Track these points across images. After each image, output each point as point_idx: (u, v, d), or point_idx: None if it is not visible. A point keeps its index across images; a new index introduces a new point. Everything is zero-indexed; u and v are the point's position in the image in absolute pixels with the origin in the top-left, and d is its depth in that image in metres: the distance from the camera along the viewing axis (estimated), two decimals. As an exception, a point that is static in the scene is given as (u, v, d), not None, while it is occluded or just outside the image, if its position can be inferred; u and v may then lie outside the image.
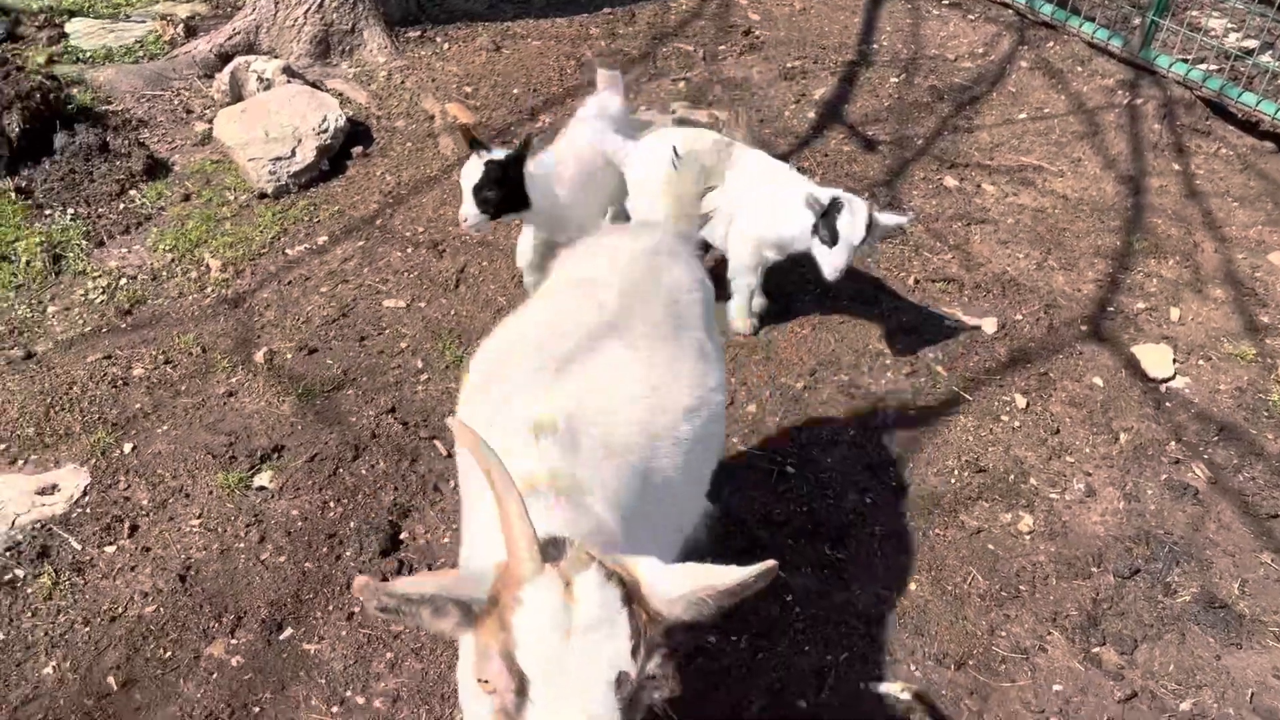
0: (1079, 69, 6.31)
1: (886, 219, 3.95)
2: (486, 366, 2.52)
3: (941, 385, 4.20)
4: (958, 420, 4.06)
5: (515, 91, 6.06)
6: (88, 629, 3.18)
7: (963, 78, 6.22)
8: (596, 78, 4.59)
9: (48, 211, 4.92)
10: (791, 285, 4.64)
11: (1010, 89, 6.15)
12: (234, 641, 3.18)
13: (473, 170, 3.90)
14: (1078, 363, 4.33)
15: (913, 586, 3.45)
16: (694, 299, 2.74)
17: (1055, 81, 6.22)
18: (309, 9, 6.13)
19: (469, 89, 6.08)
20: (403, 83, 6.09)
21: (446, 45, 6.48)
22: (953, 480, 3.82)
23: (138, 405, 3.95)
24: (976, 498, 3.75)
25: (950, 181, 5.36)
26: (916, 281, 4.70)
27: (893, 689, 3.13)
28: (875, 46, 6.53)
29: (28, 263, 4.61)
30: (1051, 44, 6.53)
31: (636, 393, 2.32)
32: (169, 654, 3.13)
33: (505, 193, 3.90)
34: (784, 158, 5.48)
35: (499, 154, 3.91)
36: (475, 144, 3.93)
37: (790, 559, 3.50)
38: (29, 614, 3.21)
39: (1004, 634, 3.31)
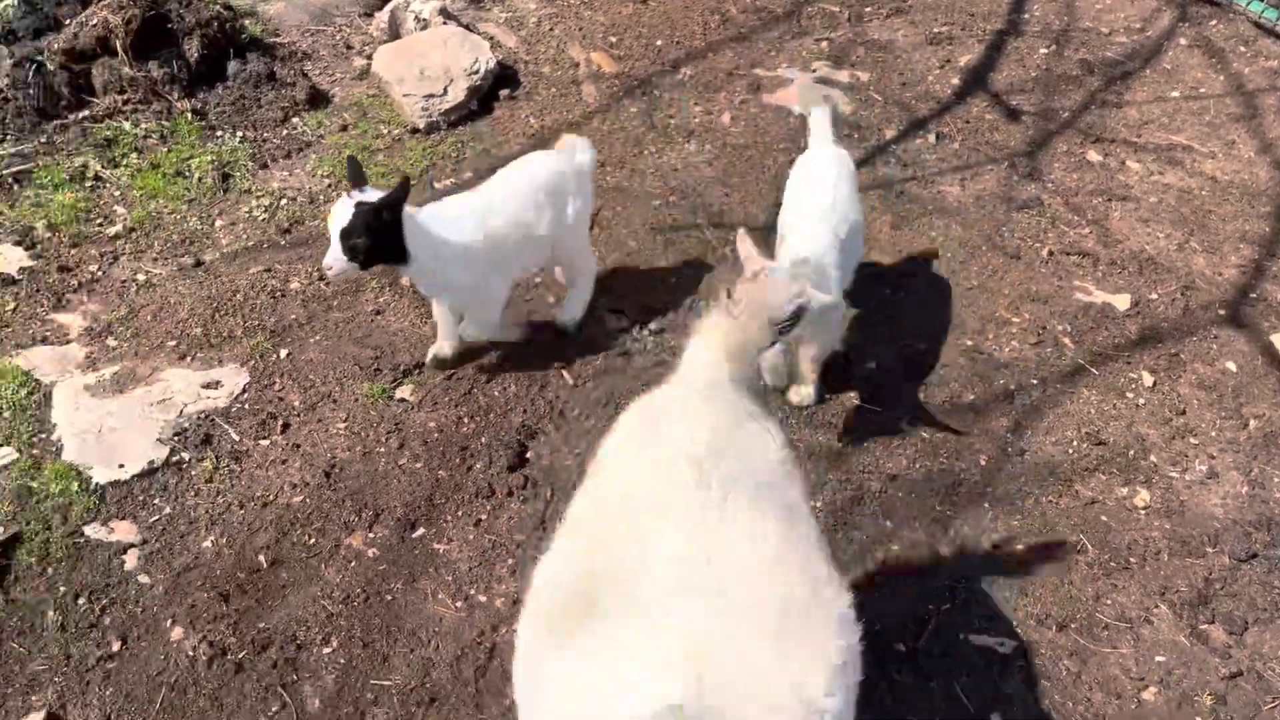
0: (1242, 49, 6.07)
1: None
2: (560, 601, 2.00)
3: (1067, 358, 4.18)
4: (1081, 393, 4.04)
5: (659, 43, 6.17)
6: (242, 511, 3.48)
7: (1116, 52, 6.05)
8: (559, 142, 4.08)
9: (219, 133, 5.28)
10: (920, 249, 4.67)
11: (1165, 66, 5.96)
12: (371, 535, 3.44)
13: (341, 212, 3.36)
14: (1211, 346, 4.24)
15: (1019, 548, 3.48)
16: (786, 465, 2.33)
17: (1215, 61, 5.99)
18: (467, -46, 6.33)
19: (614, 39, 6.21)
20: (551, 29, 6.26)
21: (596, -5, 6.61)
22: (1070, 450, 3.82)
23: (293, 316, 4.25)
24: (1093, 469, 3.75)
25: (1094, 156, 5.26)
26: (1051, 253, 4.66)
27: (991, 642, 3.19)
28: (1026, 16, 6.39)
29: (199, 179, 4.97)
30: (1215, 22, 6.28)
31: (769, 671, 1.78)
32: (313, 540, 3.41)
33: (377, 241, 3.38)
34: (923, 122, 5.47)
35: (373, 195, 3.39)
36: (355, 177, 3.45)
37: (899, 511, 3.57)
38: (192, 493, 3.53)
39: (1109, 602, 3.32)
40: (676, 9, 6.49)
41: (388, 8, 6.06)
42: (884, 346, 4.20)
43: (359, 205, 3.34)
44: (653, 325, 4.27)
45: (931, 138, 5.34)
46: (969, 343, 4.24)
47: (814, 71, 5.81)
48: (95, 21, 5.23)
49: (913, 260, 4.61)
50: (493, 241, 3.69)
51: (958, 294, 4.45)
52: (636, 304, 4.37)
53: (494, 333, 4.02)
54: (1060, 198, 4.98)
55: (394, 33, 6.02)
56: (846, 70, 5.85)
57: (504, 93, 5.71)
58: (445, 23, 5.94)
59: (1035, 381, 4.08)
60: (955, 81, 5.79)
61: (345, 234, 3.34)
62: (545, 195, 3.82)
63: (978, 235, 4.76)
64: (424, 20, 5.93)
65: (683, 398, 2.47)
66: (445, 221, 3.61)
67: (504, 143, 5.35)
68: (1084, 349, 4.22)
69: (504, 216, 3.74)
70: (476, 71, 5.56)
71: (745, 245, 2.97)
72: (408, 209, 3.45)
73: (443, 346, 4.00)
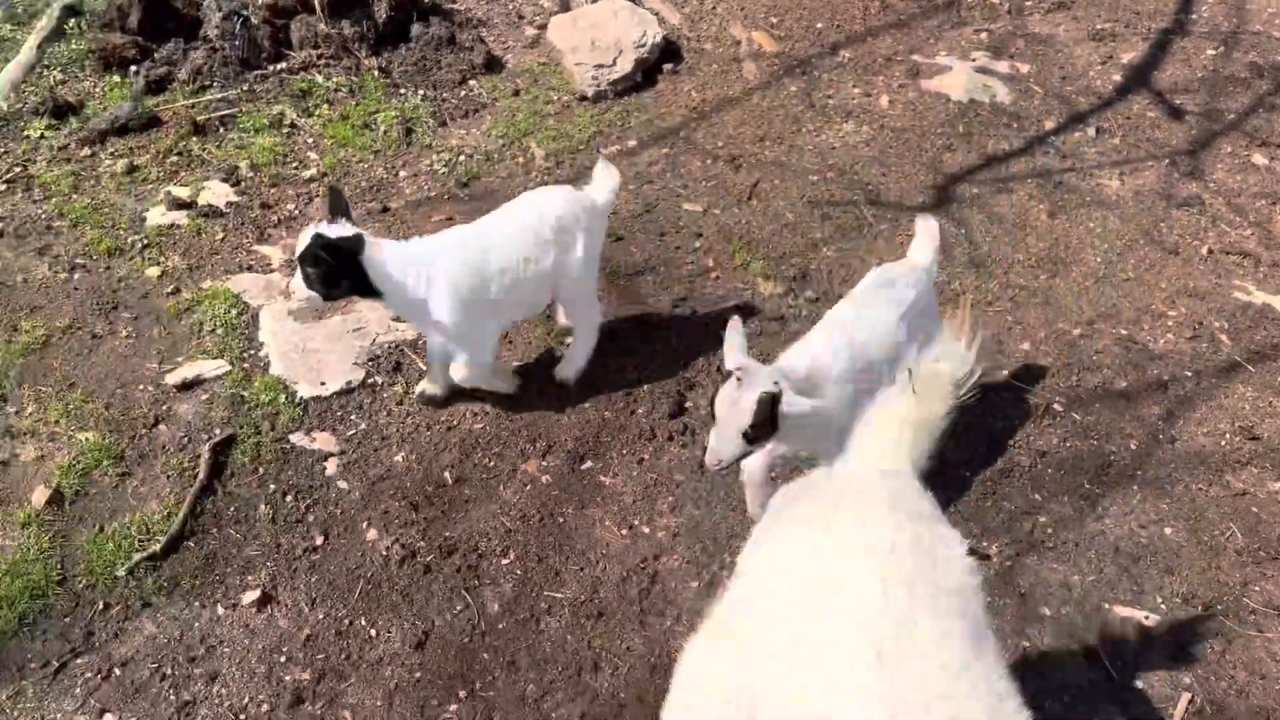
0: None
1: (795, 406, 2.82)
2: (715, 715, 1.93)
3: (1223, 354, 4.21)
4: (1236, 389, 4.07)
5: (819, 26, 6.30)
6: (429, 432, 3.78)
7: (1287, 57, 5.96)
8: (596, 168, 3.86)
9: (402, 90, 5.62)
10: (1077, 239, 4.72)
11: (1340, 73, 5.84)
12: (544, 463, 3.70)
13: (301, 242, 3.30)
14: (1375, 353, 4.21)
15: (1168, 531, 3.56)
16: (968, 573, 2.07)
17: (1393, 70, 5.85)
18: (638, -68, 6.56)
19: (775, 20, 6.37)
20: (714, 9, 6.45)
21: (756, -22, 6.77)
22: (1223, 443, 3.86)
23: (472, 262, 4.54)
24: (1246, 463, 3.79)
25: (1259, 159, 5.22)
26: (1210, 252, 4.67)
27: (1136, 614, 3.28)
28: (1194, 17, 6.32)
29: (385, 132, 5.32)
30: (1395, 31, 6.12)
31: None
32: (492, 463, 3.69)
33: (334, 275, 3.28)
34: (1083, 116, 5.50)
35: (337, 230, 3.25)
36: (334, 207, 3.32)
37: (1047, 486, 3.68)
38: (384, 413, 3.85)
39: (1257, 589, 3.38)
40: (837, -7, 6.60)
41: (560, -19, 6.33)
42: (1038, 329, 4.29)
43: (315, 237, 3.22)
44: (809, 293, 4.44)
45: (1091, 131, 5.37)
46: (1123, 332, 4.29)
47: (973, 61, 5.88)
48: (298, -20, 5.63)
49: (1068, 248, 4.67)
50: (483, 281, 3.46)
51: (1114, 284, 4.50)
52: (791, 271, 4.54)
53: (484, 380, 3.71)
54: (1222, 198, 4.97)
55: (564, 4, 6.29)
56: (1006, 61, 5.89)
57: (667, 66, 5.93)
58: (614, -2, 6.17)
59: (1189, 374, 4.12)
60: (1117, 78, 5.78)
61: (302, 260, 3.26)
62: (550, 234, 3.56)
63: (1135, 229, 4.79)
64: (596, -6, 6.17)
65: (858, 488, 2.21)
66: (428, 256, 3.40)
67: (666, 114, 5.57)
68: (1241, 347, 4.24)
69: (499, 255, 3.50)
70: (644, 45, 5.79)
71: (733, 337, 2.75)
72: (376, 245, 3.31)
73: (429, 386, 3.80)
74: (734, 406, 2.71)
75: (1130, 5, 6.42)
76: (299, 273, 3.30)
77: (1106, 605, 3.32)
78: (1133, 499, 3.66)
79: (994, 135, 5.37)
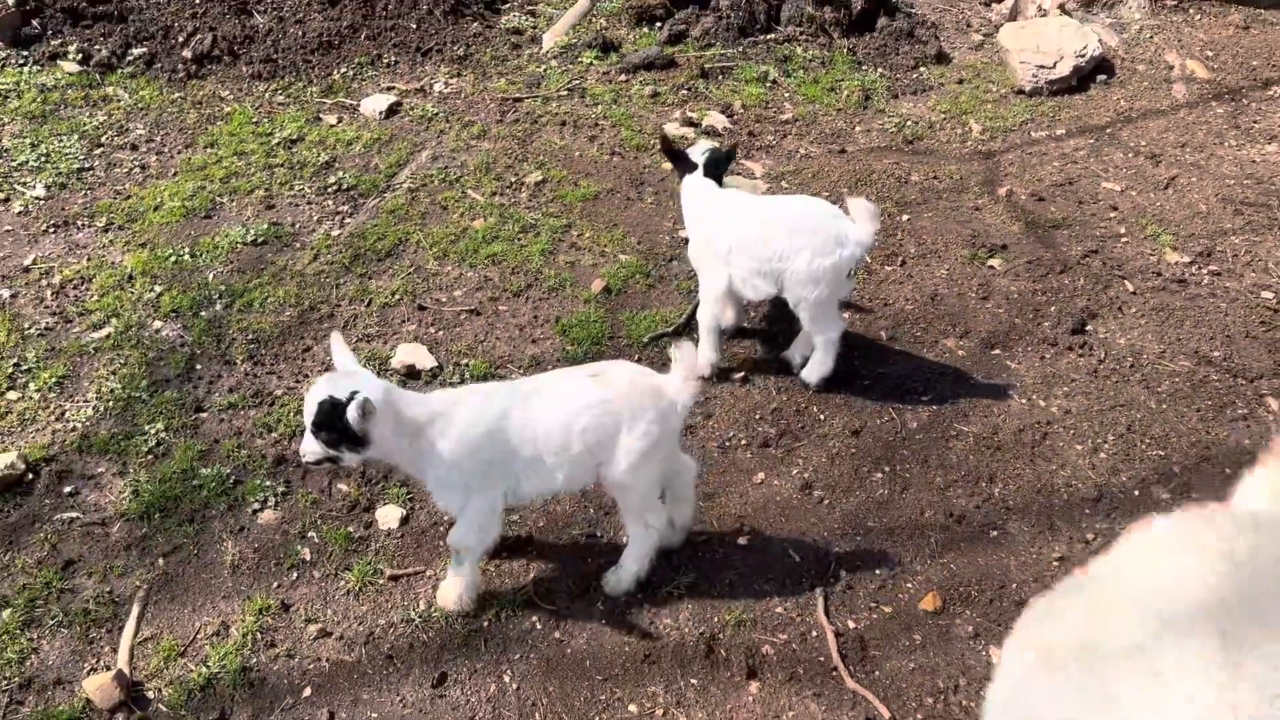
0: None
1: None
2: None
3: None
4: None
5: (1254, 64, 6.74)
6: (870, 303, 4.79)
7: None
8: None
9: (864, 67, 6.74)
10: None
11: None
12: (961, 343, 4.59)
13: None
14: None
15: None
16: None
17: None
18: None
19: (1210, 53, 6.88)
20: (1151, 37, 7.06)
21: (1198, 17, 7.30)
22: None
23: (912, 197, 5.53)
24: None
25: None
26: None
27: None
28: None
29: (847, 96, 6.44)
30: None
31: None
32: (919, 336, 4.63)
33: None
34: None
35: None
36: (673, 156, 4.15)
37: None
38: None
39: None
40: (1276, 38, 6.99)
41: (1010, -2, 7.23)
42: None
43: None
44: (1211, 267, 5.02)
45: None
46: None
47: None
48: (799, -30, 6.91)
49: None
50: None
51: None
52: (1198, 248, 5.13)
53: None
54: None
55: (1013, 16, 7.17)
56: None
57: (1100, 78, 6.64)
58: (1061, 15, 6.97)
59: None
60: None
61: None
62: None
63: None
64: (1044, 10, 7.01)
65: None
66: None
67: (1094, 113, 6.29)
68: None
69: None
70: (1083, 55, 6.54)
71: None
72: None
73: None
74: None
75: None
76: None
77: None
78: None
79: None
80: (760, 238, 4.03)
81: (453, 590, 3.30)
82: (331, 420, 2.91)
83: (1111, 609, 1.79)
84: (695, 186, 4.24)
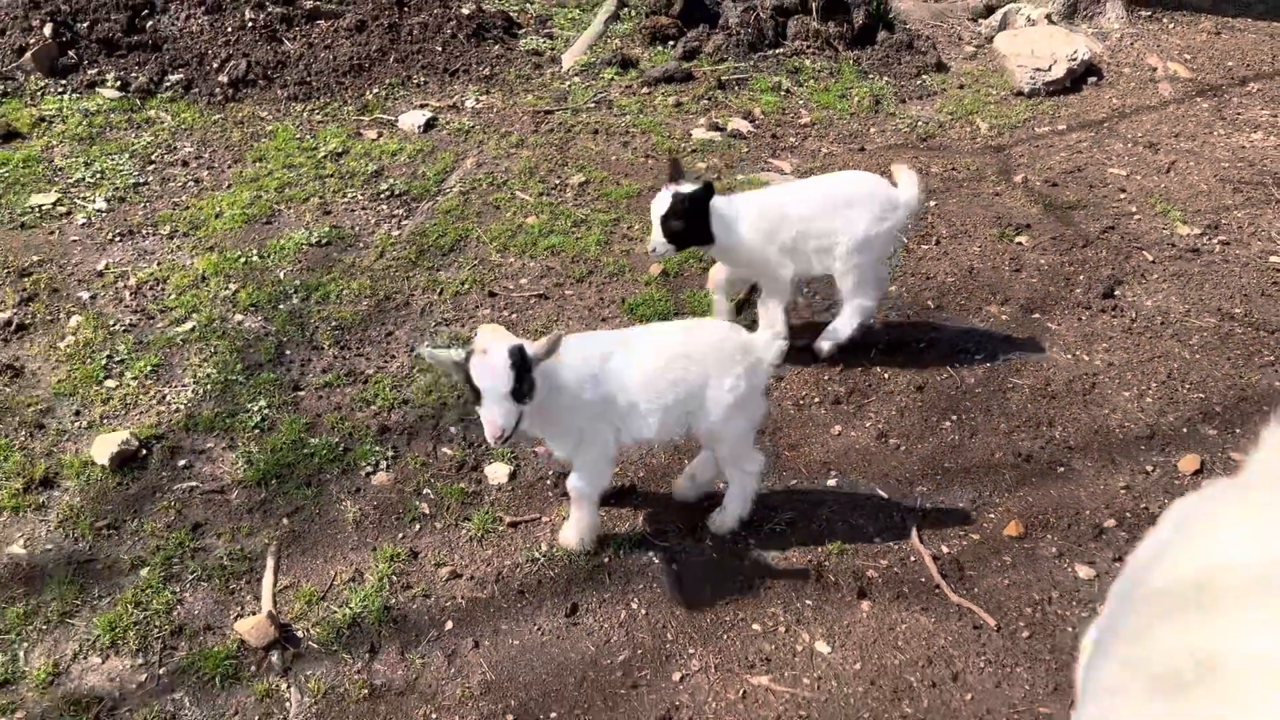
0: None
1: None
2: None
3: None
4: None
5: (1230, 64, 7.25)
6: (912, 279, 5.08)
7: None
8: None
9: (869, 76, 7.13)
10: None
11: None
12: (1002, 309, 4.89)
13: (661, 201, 3.97)
14: None
15: None
16: None
17: None
18: (1071, -23, 7.82)
19: (1187, 56, 7.37)
20: (1131, 43, 7.55)
21: (1171, 25, 7.82)
22: None
23: (935, 185, 5.87)
24: None
25: None
26: None
27: None
28: None
29: (858, 101, 6.81)
30: None
31: None
32: (963, 304, 4.92)
33: (690, 226, 3.97)
34: None
35: (687, 188, 3.95)
36: (675, 175, 4.03)
37: None
38: (878, 263, 5.20)
39: None
40: (1247, 44, 7.52)
41: (1000, 11, 7.69)
42: None
43: (675, 195, 3.93)
44: (1221, 237, 5.39)
45: None
46: None
47: (1383, 95, 6.60)
48: (803, -12, 7.33)
49: None
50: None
51: None
52: (1205, 222, 5.51)
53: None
54: None
55: (1003, 27, 7.62)
56: None
57: (1090, 80, 7.09)
58: (1048, 25, 7.43)
59: None
60: None
61: (664, 218, 3.95)
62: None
63: None
64: (1032, 20, 7.47)
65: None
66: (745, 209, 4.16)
67: (1090, 110, 6.71)
68: None
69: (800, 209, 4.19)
70: (1075, 58, 6.99)
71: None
72: (722, 199, 4.04)
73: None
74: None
75: None
76: (656, 234, 4.01)
77: None
78: None
79: (1401, 148, 6.08)
80: (820, 213, 4.27)
81: (574, 531, 3.48)
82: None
83: None
84: (722, 202, 4.14)
